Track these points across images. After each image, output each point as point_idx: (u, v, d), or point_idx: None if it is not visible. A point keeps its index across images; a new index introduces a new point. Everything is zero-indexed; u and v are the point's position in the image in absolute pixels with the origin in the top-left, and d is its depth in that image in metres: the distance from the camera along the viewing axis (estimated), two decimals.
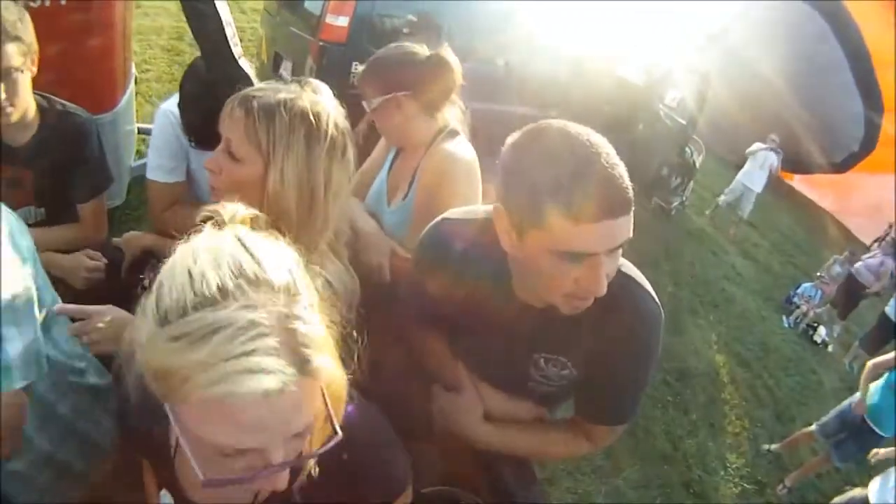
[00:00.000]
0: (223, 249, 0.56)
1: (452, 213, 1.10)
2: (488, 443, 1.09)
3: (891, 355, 3.45)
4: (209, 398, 0.50)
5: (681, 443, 3.50)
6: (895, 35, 7.33)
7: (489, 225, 0.92)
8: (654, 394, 3.73)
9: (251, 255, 0.56)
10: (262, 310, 0.52)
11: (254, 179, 0.93)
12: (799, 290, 6.39)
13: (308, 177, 0.93)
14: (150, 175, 1.61)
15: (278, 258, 0.58)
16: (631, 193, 0.81)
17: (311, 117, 0.93)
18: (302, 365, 0.52)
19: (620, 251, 0.86)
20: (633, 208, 0.81)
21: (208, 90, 1.44)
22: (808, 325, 6.04)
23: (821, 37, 8.04)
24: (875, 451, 2.86)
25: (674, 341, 4.32)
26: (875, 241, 8.43)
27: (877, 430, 3.39)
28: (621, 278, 0.98)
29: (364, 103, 1.43)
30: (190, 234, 0.60)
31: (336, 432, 0.58)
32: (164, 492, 0.77)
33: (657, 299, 0.99)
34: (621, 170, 0.81)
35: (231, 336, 0.50)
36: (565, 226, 0.78)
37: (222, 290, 0.52)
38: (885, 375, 3.43)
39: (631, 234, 0.83)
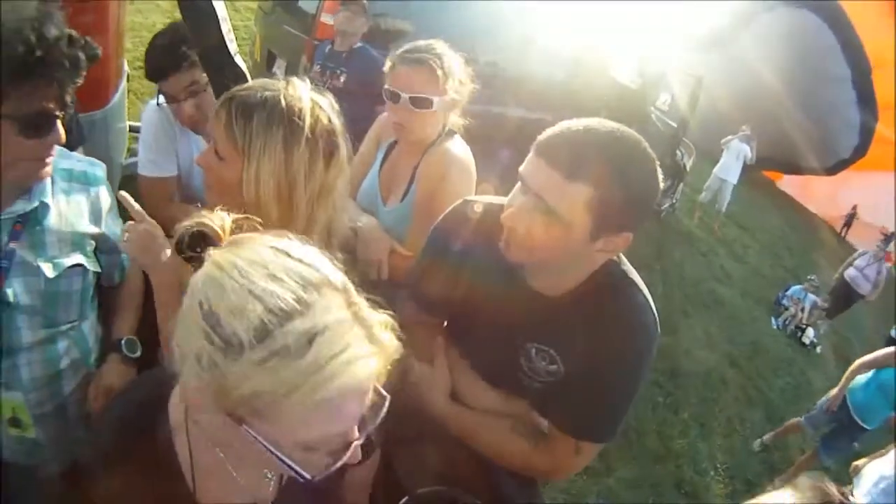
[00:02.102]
0: (270, 262, 0.57)
1: (475, 197, 1.12)
2: (446, 422, 1.08)
3: (878, 353, 3.55)
4: (318, 400, 0.53)
5: (672, 443, 3.52)
6: (894, 36, 7.41)
7: None
8: (646, 394, 3.76)
9: (301, 261, 0.59)
10: (338, 308, 0.56)
11: (236, 178, 0.93)
12: (788, 293, 6.46)
13: (286, 176, 0.92)
14: (142, 170, 1.61)
15: (320, 257, 0.61)
16: (588, 172, 0.84)
17: (292, 116, 0.91)
18: (378, 343, 0.58)
19: (549, 221, 0.87)
20: (577, 183, 0.85)
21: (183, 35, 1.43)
22: (796, 328, 6.11)
23: (824, 47, 8.12)
24: (854, 465, 2.94)
25: (665, 342, 4.35)
26: (845, 225, 8.56)
27: (863, 424, 3.51)
28: (627, 285, 1.00)
29: (413, 97, 1.35)
30: (198, 264, 0.61)
31: (384, 396, 0.62)
32: None
33: (657, 317, 1.00)
34: (618, 171, 0.85)
35: (329, 338, 0.54)
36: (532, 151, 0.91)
37: (300, 300, 0.54)
38: (871, 373, 3.52)
39: (566, 209, 0.86)
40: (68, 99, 0.91)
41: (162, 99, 1.60)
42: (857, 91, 8.20)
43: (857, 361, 3.63)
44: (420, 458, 1.10)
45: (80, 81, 0.91)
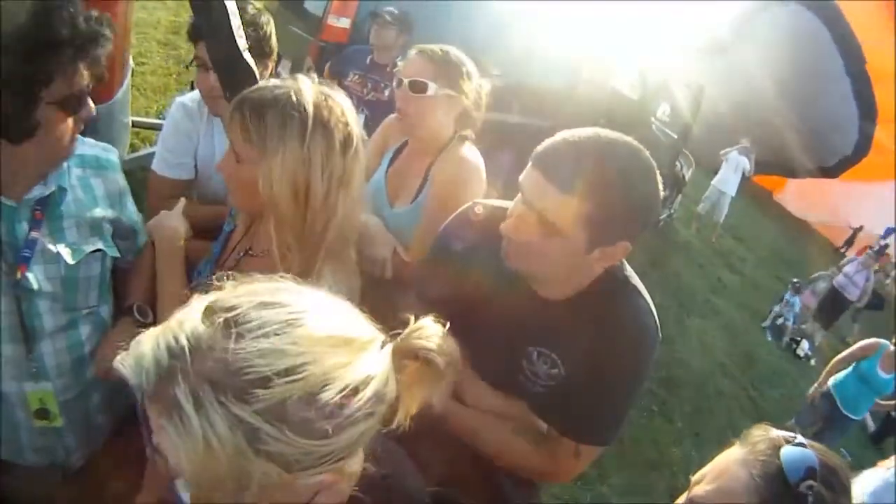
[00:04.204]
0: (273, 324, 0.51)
1: (482, 200, 1.14)
2: (447, 420, 1.08)
3: (854, 348, 3.88)
4: None
5: (666, 451, 3.53)
6: (894, 44, 7.38)
7: None
8: (640, 402, 3.77)
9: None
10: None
11: (256, 179, 0.93)
12: (783, 298, 6.52)
13: (303, 169, 0.92)
14: (154, 166, 1.59)
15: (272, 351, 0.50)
16: (584, 185, 0.85)
17: (304, 110, 0.92)
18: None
19: (545, 234, 0.88)
20: (571, 196, 0.85)
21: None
22: (791, 339, 6.14)
23: (819, 42, 8.03)
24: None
25: (660, 351, 4.36)
26: (846, 244, 8.55)
27: (850, 415, 3.78)
28: (629, 290, 1.01)
29: (410, 80, 1.40)
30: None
31: None
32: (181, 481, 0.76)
33: (658, 323, 1.01)
34: (614, 181, 0.86)
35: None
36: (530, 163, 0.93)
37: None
38: (853, 365, 3.80)
39: (561, 221, 0.87)
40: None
41: (191, 98, 1.59)
42: (853, 83, 8.03)
43: (835, 359, 3.96)
44: (420, 459, 1.10)
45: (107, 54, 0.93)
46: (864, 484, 2.46)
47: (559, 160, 0.88)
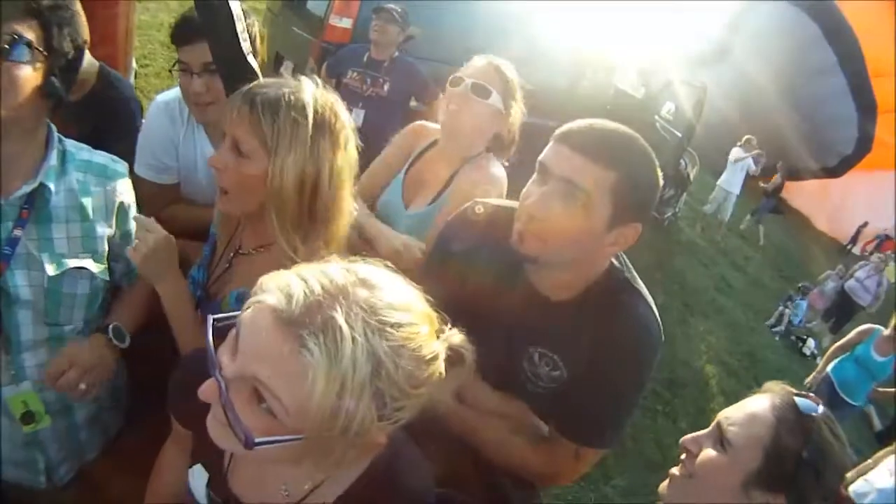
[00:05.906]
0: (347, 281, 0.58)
1: (483, 199, 1.13)
2: (447, 420, 1.07)
3: (852, 334, 3.98)
4: None
5: (669, 451, 3.51)
6: (895, 44, 7.31)
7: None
8: (644, 402, 3.76)
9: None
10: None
11: (260, 174, 0.95)
12: (790, 298, 6.49)
13: (312, 168, 0.95)
14: (142, 172, 1.53)
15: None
16: (613, 157, 0.88)
17: (314, 110, 0.95)
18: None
19: (576, 205, 0.88)
20: (600, 165, 0.88)
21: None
22: (797, 338, 6.11)
23: (812, 40, 7.97)
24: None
25: (663, 350, 4.35)
26: (851, 241, 8.49)
27: (850, 400, 3.86)
28: (631, 292, 1.01)
29: (474, 83, 1.39)
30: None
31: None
32: (197, 468, 0.76)
33: (661, 325, 1.01)
34: (639, 163, 0.91)
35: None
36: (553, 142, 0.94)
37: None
38: (851, 351, 3.90)
39: (591, 187, 0.88)
40: (54, 33, 0.88)
41: (171, 96, 1.57)
42: (848, 79, 7.94)
43: (835, 345, 4.10)
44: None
45: (66, 18, 0.90)
46: (872, 481, 2.44)
47: (588, 135, 0.91)
